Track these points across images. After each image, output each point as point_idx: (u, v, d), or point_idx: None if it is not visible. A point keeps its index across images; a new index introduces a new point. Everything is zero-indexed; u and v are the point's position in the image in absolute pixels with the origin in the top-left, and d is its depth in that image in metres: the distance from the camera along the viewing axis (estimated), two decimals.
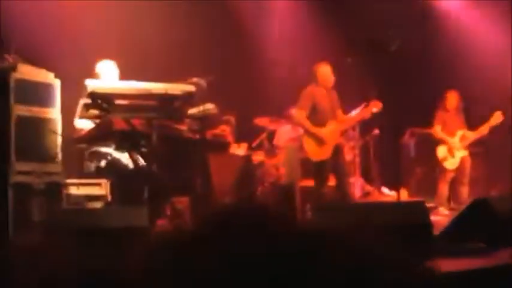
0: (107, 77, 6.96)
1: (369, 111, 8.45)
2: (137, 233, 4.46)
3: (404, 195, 9.57)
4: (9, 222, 5.39)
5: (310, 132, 8.16)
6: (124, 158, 6.35)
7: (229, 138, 8.52)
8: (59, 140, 6.01)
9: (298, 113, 8.31)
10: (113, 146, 6.36)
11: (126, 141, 6.07)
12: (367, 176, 10.69)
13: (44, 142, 5.91)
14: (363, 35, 10.68)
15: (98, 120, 6.13)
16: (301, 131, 8.47)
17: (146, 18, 9.77)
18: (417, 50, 11.06)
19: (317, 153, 8.13)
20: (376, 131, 10.64)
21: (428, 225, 4.85)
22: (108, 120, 5.93)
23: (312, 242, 1.20)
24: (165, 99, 5.98)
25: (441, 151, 9.71)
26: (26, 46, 6.22)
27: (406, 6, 11.31)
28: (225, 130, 8.35)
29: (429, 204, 8.02)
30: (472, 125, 9.79)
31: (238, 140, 9.70)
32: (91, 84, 5.74)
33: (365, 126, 10.20)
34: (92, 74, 6.86)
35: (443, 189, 9.65)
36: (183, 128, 6.46)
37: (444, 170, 9.68)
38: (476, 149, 10.13)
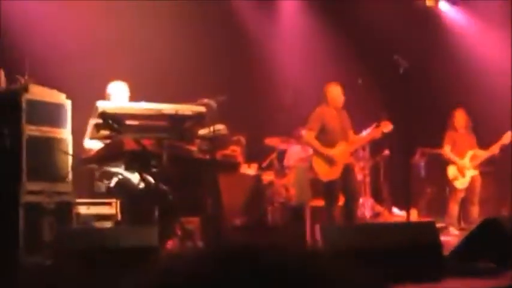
0: (118, 97, 6.99)
1: (379, 132, 8.46)
2: (147, 253, 4.47)
3: (414, 215, 9.54)
4: (20, 241, 5.41)
5: (320, 153, 8.16)
6: (134, 178, 6.37)
7: (240, 158, 8.52)
8: (70, 160, 6.03)
9: (307, 134, 8.33)
10: (123, 166, 6.37)
11: (136, 161, 6.08)
12: (377, 197, 10.67)
13: (54, 162, 5.94)
14: (372, 58, 10.74)
15: (108, 141, 6.15)
16: (311, 151, 8.48)
17: (157, 39, 9.84)
18: (426, 69, 11.09)
19: (327, 174, 8.13)
20: (387, 152, 10.63)
21: (438, 245, 4.84)
22: (118, 140, 5.96)
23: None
24: (176, 119, 6.02)
25: (451, 171, 9.69)
26: (38, 67, 6.27)
27: (413, 26, 11.38)
28: (235, 150, 8.35)
29: (439, 224, 7.98)
30: (482, 143, 9.77)
31: (249, 160, 9.70)
32: (102, 105, 5.78)
33: (375, 146, 10.20)
34: (103, 95, 6.91)
35: (454, 209, 9.61)
36: (194, 148, 6.48)
37: (454, 190, 9.65)
38: (486, 168, 10.09)
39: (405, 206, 8.37)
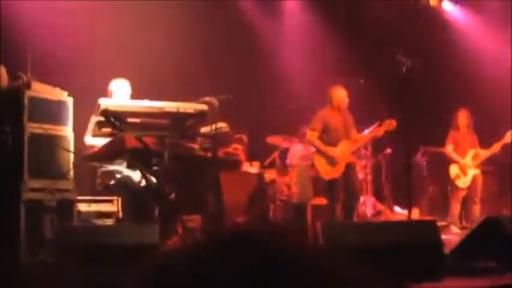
0: (119, 95, 6.98)
1: (381, 130, 8.47)
2: (148, 251, 4.47)
3: (416, 213, 9.54)
4: (21, 238, 5.42)
5: (322, 152, 8.19)
6: (136, 175, 6.37)
7: (242, 156, 8.50)
8: (71, 157, 6.03)
9: (310, 133, 8.37)
10: (125, 164, 6.37)
11: (138, 159, 6.09)
12: (379, 195, 10.68)
13: (56, 159, 5.94)
14: (375, 58, 10.73)
15: (110, 138, 6.15)
16: (313, 149, 8.50)
17: (159, 38, 9.84)
18: (429, 69, 11.08)
19: (329, 172, 8.15)
20: (388, 150, 10.64)
21: (439, 244, 4.84)
22: (120, 138, 5.96)
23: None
24: (178, 117, 6.01)
25: (453, 169, 9.68)
26: (40, 64, 6.27)
27: (417, 25, 11.37)
28: (237, 148, 8.34)
29: (441, 223, 7.98)
30: (484, 142, 9.76)
31: (251, 158, 9.69)
32: (104, 102, 5.78)
33: (377, 145, 10.20)
34: (105, 93, 6.90)
35: (455, 207, 9.61)
36: (195, 146, 6.48)
37: (456, 189, 9.65)
38: (488, 167, 10.10)
39: (407, 205, 8.37)
